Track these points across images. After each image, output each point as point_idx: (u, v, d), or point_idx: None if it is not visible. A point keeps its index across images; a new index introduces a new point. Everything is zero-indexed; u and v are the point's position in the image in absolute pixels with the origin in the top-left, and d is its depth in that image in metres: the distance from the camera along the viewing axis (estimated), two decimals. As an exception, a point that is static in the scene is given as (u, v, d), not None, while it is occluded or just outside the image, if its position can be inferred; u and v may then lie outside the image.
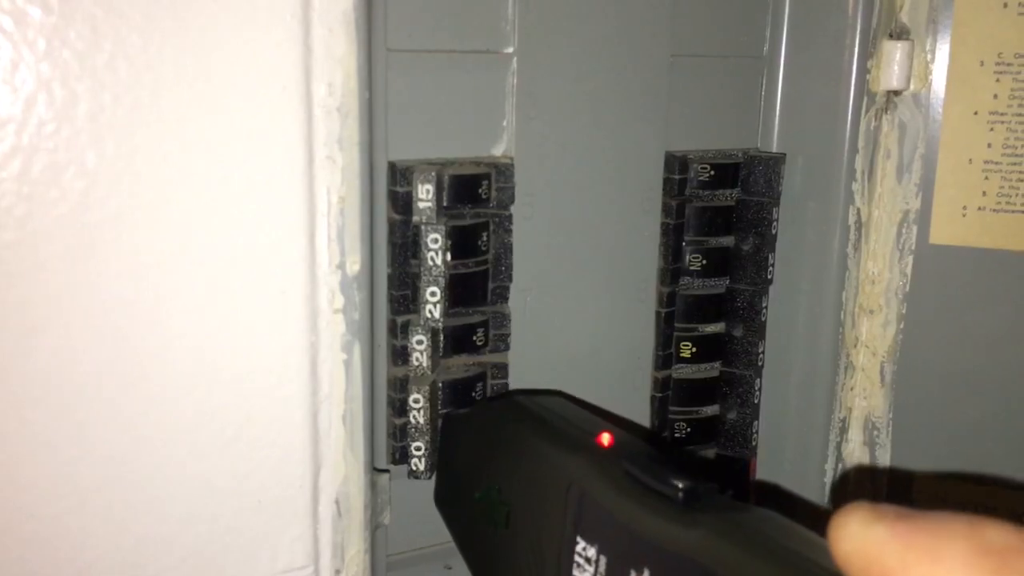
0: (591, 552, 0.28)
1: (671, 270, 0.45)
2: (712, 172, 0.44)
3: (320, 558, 0.35)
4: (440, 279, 0.37)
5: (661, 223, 0.44)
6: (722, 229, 0.45)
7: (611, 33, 0.41)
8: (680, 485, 0.26)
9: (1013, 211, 0.43)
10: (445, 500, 0.38)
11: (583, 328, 0.44)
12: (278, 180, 0.31)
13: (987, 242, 0.43)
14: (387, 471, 0.38)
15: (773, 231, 0.45)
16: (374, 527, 0.37)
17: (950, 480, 0.45)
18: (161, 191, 0.30)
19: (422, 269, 0.37)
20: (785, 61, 0.46)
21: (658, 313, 0.45)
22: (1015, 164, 0.42)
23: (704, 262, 0.45)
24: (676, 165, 0.44)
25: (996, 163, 0.43)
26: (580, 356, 0.44)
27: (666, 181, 0.44)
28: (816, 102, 0.45)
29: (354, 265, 0.33)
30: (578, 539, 0.28)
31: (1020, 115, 0.42)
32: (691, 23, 0.43)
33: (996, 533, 0.17)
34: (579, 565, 0.28)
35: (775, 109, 0.46)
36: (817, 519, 0.21)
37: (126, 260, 0.30)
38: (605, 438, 0.31)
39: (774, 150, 0.46)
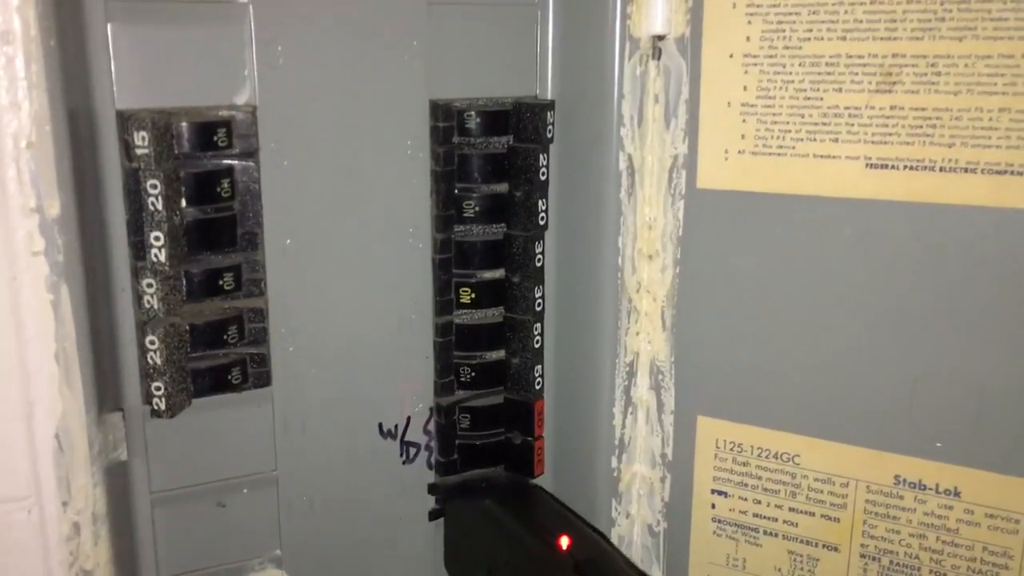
0: None
1: (444, 217, 0.45)
2: (478, 120, 0.45)
3: (42, 489, 0.37)
4: (163, 224, 0.38)
5: (431, 171, 0.45)
6: (494, 176, 0.46)
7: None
8: None
9: (769, 153, 0.43)
10: (452, 568, 0.49)
11: (353, 273, 0.45)
12: (-43, 126, 0.33)
13: (747, 185, 0.43)
14: (120, 410, 0.40)
15: (542, 177, 0.45)
16: (106, 463, 0.39)
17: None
18: None
19: (144, 215, 0.38)
20: (554, 8, 0.46)
21: (434, 260, 0.46)
22: (768, 106, 0.42)
23: (477, 209, 0.46)
24: (440, 113, 0.44)
25: (752, 106, 0.43)
26: (353, 301, 0.45)
27: (433, 129, 0.45)
28: (584, 49, 0.45)
29: (51, 209, 0.35)
30: None
31: (771, 57, 0.42)
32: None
33: None
34: None
35: (548, 56, 0.46)
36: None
37: None
38: (564, 541, 0.42)
39: (550, 97, 0.47)
